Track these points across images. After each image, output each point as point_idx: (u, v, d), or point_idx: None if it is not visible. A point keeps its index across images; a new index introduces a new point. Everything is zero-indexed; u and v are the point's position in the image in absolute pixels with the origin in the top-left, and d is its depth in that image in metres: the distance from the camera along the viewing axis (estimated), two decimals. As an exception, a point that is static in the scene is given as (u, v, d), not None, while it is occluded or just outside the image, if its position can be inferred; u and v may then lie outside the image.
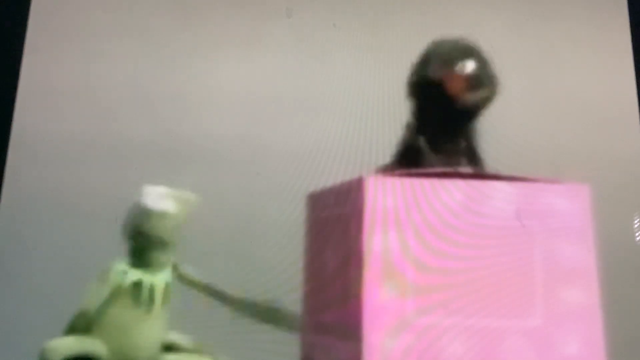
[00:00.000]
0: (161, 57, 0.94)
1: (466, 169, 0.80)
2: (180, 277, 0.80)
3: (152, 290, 0.78)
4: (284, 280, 0.82)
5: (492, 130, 0.91)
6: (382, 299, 0.72)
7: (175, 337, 0.80)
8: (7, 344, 0.79)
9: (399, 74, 0.91)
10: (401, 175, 0.78)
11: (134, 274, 0.78)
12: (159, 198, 0.80)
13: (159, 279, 0.78)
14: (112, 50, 0.95)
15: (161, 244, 0.79)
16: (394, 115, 0.91)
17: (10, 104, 0.93)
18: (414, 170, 0.79)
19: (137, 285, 0.77)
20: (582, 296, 0.74)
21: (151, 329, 0.77)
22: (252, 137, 0.91)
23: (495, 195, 0.77)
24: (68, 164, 0.91)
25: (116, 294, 0.77)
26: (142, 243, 0.79)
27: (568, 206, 0.77)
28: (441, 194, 0.77)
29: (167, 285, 0.79)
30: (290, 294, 0.81)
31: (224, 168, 0.90)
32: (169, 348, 0.79)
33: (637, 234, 0.88)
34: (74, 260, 0.85)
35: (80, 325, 0.76)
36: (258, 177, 0.91)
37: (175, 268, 0.80)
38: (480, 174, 0.78)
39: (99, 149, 0.92)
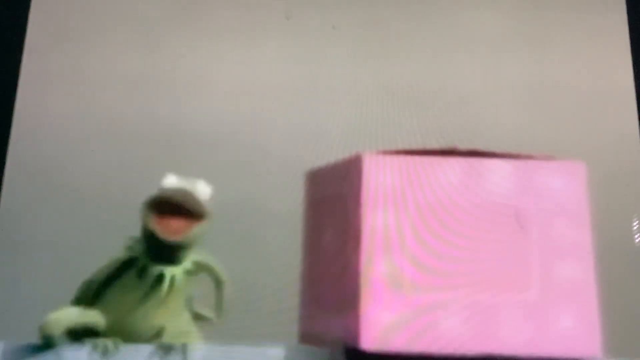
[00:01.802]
0: (160, 57, 0.95)
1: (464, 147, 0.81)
2: (200, 267, 0.81)
3: (159, 278, 0.78)
4: (284, 257, 0.83)
5: (490, 110, 0.92)
6: (380, 274, 0.73)
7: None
8: (15, 320, 0.80)
9: (398, 75, 0.92)
10: (399, 153, 0.79)
11: (145, 260, 0.78)
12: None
13: (170, 269, 0.78)
14: (112, 53, 0.95)
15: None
16: (393, 116, 0.92)
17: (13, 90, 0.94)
18: (412, 149, 0.79)
19: (145, 270, 0.78)
20: (577, 271, 0.75)
21: (155, 315, 0.77)
22: (250, 138, 0.92)
23: (492, 173, 0.78)
24: (71, 147, 0.92)
25: (122, 270, 0.78)
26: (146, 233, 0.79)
27: (564, 183, 0.78)
28: (439, 172, 0.78)
29: (176, 277, 0.79)
30: (289, 270, 0.82)
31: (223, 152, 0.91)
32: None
33: (633, 220, 0.89)
34: (81, 241, 0.86)
35: (85, 295, 0.77)
36: (257, 155, 0.92)
37: (199, 263, 0.81)
38: (478, 152, 0.79)
39: (101, 135, 0.93)
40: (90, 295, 0.77)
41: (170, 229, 0.77)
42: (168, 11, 0.97)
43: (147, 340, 0.76)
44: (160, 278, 0.77)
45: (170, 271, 0.78)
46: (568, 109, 0.95)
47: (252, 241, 0.86)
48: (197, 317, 0.81)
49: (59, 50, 0.96)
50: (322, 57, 0.94)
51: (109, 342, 0.74)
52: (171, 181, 0.78)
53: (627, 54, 0.95)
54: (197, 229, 0.78)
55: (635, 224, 0.88)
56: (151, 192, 0.77)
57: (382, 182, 0.76)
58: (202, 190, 0.78)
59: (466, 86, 0.96)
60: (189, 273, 0.79)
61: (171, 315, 0.78)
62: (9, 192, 0.87)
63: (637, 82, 0.96)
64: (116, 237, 0.80)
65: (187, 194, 0.77)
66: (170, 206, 0.77)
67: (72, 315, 0.75)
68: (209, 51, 0.94)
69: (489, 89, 0.96)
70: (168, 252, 0.78)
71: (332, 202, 0.80)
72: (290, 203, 0.85)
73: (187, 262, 0.79)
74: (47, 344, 0.73)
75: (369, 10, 0.97)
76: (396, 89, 0.92)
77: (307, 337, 0.80)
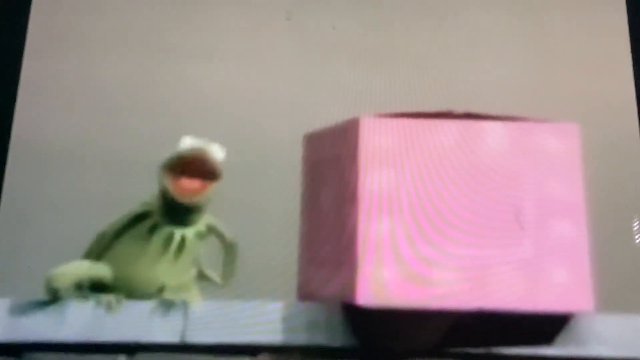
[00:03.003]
0: (161, 58, 0.95)
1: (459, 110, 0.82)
2: (211, 230, 0.83)
3: (168, 238, 0.80)
4: (283, 217, 0.85)
5: (486, 74, 0.93)
6: (376, 233, 0.75)
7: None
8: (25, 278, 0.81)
9: (398, 76, 0.93)
10: (396, 116, 0.80)
11: (157, 219, 0.80)
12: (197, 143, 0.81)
13: (180, 230, 0.80)
14: (112, 56, 0.96)
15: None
16: (393, 108, 0.92)
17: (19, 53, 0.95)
18: (408, 112, 0.80)
19: (154, 229, 0.79)
20: (570, 229, 0.76)
21: (162, 273, 0.79)
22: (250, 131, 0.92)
23: (487, 134, 0.79)
24: (77, 112, 0.94)
25: (135, 223, 0.79)
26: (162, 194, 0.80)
27: (558, 144, 0.79)
28: (435, 134, 0.79)
29: (186, 238, 0.80)
30: (288, 229, 0.83)
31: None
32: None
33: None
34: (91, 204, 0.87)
35: (97, 247, 0.79)
36: (255, 120, 0.93)
37: (209, 227, 0.82)
38: (473, 114, 0.80)
39: (106, 103, 0.95)
40: (102, 247, 0.79)
41: (186, 190, 0.78)
42: (170, 11, 0.98)
43: (152, 295, 0.77)
44: (170, 237, 0.79)
45: (180, 232, 0.80)
46: (565, 75, 0.96)
47: (252, 202, 0.87)
48: (204, 279, 0.83)
49: (65, 15, 0.98)
50: (322, 59, 0.95)
51: (112, 298, 0.76)
52: (188, 142, 0.79)
53: (624, 19, 0.96)
54: (211, 190, 0.79)
55: (627, 184, 0.89)
56: (155, 156, 0.79)
57: (378, 144, 0.78)
58: (217, 151, 0.80)
59: (465, 71, 0.97)
60: (200, 235, 0.81)
61: (177, 273, 0.80)
62: (16, 154, 0.89)
63: (634, 49, 0.96)
64: (120, 197, 0.82)
65: (204, 155, 0.78)
66: (187, 166, 0.79)
67: (78, 268, 0.77)
68: (209, 51, 0.95)
69: (487, 61, 0.97)
70: (182, 213, 0.79)
71: (330, 164, 0.82)
72: (289, 166, 0.86)
73: (200, 224, 0.81)
74: (52, 297, 0.75)
75: (369, 11, 0.98)
76: (396, 87, 0.93)
77: (305, 294, 0.81)
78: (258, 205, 0.87)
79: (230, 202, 0.85)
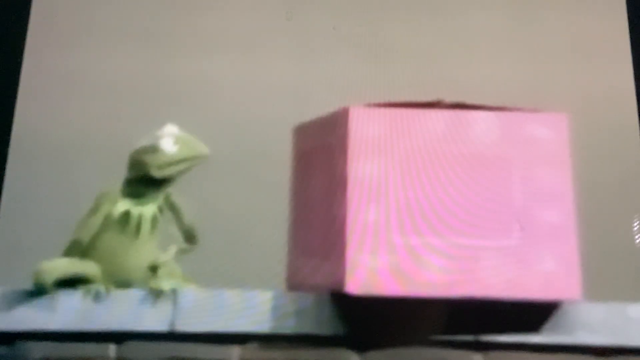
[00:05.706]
0: (160, 55, 0.96)
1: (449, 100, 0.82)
2: (170, 206, 0.83)
3: (140, 219, 0.81)
4: (272, 206, 0.85)
5: (478, 63, 0.94)
6: (365, 221, 0.75)
7: (160, 257, 0.82)
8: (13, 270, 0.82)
9: (398, 76, 0.93)
10: (385, 105, 0.80)
11: (124, 204, 0.81)
12: (167, 137, 0.83)
13: (147, 209, 0.81)
14: (113, 51, 0.97)
15: (154, 180, 0.82)
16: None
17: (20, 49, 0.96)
18: (398, 101, 0.81)
19: (127, 214, 0.80)
20: (558, 217, 0.77)
21: (140, 253, 0.80)
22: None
23: (477, 124, 0.80)
24: (70, 104, 0.94)
25: (107, 221, 0.80)
26: (138, 175, 0.82)
27: (547, 133, 0.80)
28: (424, 123, 0.79)
29: (154, 215, 0.82)
30: (278, 219, 0.84)
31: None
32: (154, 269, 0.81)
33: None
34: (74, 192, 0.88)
35: (74, 252, 0.79)
36: (254, 117, 0.93)
37: (167, 198, 0.83)
38: (462, 104, 0.81)
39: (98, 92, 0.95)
40: (79, 250, 0.79)
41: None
42: (171, 9, 0.98)
43: (141, 280, 0.78)
44: (144, 217, 0.80)
45: (150, 210, 0.81)
46: (562, 67, 0.96)
47: (241, 191, 0.87)
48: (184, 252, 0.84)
49: (65, 10, 0.98)
50: (323, 57, 0.95)
51: (100, 288, 0.76)
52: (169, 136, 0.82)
53: (623, 8, 0.96)
54: None
55: (618, 174, 0.89)
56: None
57: (368, 133, 0.78)
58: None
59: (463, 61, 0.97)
60: (160, 209, 0.82)
61: (152, 252, 0.81)
62: (17, 147, 0.90)
63: (633, 39, 0.96)
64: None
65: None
66: None
67: (64, 264, 0.78)
68: (209, 50, 0.95)
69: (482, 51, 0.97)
70: (156, 186, 0.82)
71: (320, 153, 0.82)
72: (280, 154, 0.86)
73: (160, 199, 0.83)
74: (39, 291, 0.76)
75: (369, 11, 0.98)
76: (396, 87, 0.93)
77: (295, 283, 0.81)
78: (247, 194, 0.87)
79: (220, 191, 0.86)
